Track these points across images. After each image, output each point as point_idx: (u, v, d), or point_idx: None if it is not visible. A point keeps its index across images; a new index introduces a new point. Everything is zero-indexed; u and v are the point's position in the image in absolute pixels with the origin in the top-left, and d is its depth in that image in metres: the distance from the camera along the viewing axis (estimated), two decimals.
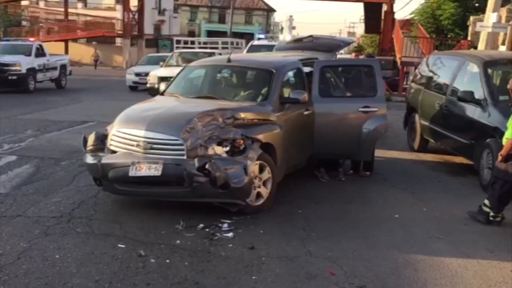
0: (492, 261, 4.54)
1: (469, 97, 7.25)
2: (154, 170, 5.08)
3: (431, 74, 9.34)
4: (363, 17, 37.44)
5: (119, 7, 40.77)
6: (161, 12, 46.81)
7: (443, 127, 8.14)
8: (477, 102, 7.13)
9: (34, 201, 5.80)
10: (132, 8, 37.31)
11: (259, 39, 21.32)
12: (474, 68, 7.65)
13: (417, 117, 9.24)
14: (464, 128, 7.54)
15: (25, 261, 4.23)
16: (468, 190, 6.85)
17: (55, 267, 4.13)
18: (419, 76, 9.95)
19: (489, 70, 7.40)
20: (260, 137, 5.56)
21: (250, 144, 5.36)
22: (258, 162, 5.40)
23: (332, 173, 7.17)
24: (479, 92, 7.18)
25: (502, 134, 5.91)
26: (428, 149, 9.18)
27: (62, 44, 37.12)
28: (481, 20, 17.35)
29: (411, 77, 13.58)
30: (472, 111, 7.27)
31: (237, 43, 28.76)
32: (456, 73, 8.13)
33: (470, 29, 21.09)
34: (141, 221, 5.22)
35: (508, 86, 5.46)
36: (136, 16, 37.82)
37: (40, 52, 19.23)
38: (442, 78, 8.76)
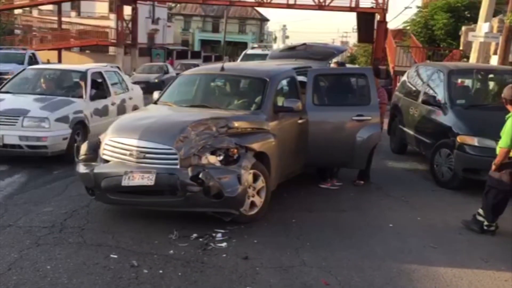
0: (487, 271, 4.53)
1: (431, 101, 8.09)
2: (147, 180, 5.04)
3: (409, 83, 10.19)
4: (356, 27, 37.62)
5: (112, 16, 40.73)
6: (154, 21, 46.86)
7: (415, 130, 8.84)
8: (438, 105, 7.91)
9: (25, 210, 5.74)
10: (126, 17, 37.24)
11: (252, 48, 21.30)
12: (441, 76, 8.43)
13: (397, 122, 9.96)
14: (428, 130, 8.25)
15: (16, 272, 4.17)
16: (462, 199, 6.85)
17: (47, 278, 4.08)
18: (401, 85, 10.82)
19: (453, 78, 8.36)
20: (254, 146, 5.54)
21: (243, 153, 5.34)
22: (252, 171, 5.37)
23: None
24: (442, 96, 7.97)
25: (454, 133, 7.21)
26: (422, 158, 9.20)
27: (55, 52, 37.03)
28: (473, 30, 17.50)
29: None
30: (434, 114, 8.01)
31: None
32: (428, 81, 9.05)
33: (462, 39, 21.25)
34: (134, 231, 5.17)
35: (502, 96, 5.47)
36: (129, 25, 37.72)
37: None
38: (417, 86, 9.66)
